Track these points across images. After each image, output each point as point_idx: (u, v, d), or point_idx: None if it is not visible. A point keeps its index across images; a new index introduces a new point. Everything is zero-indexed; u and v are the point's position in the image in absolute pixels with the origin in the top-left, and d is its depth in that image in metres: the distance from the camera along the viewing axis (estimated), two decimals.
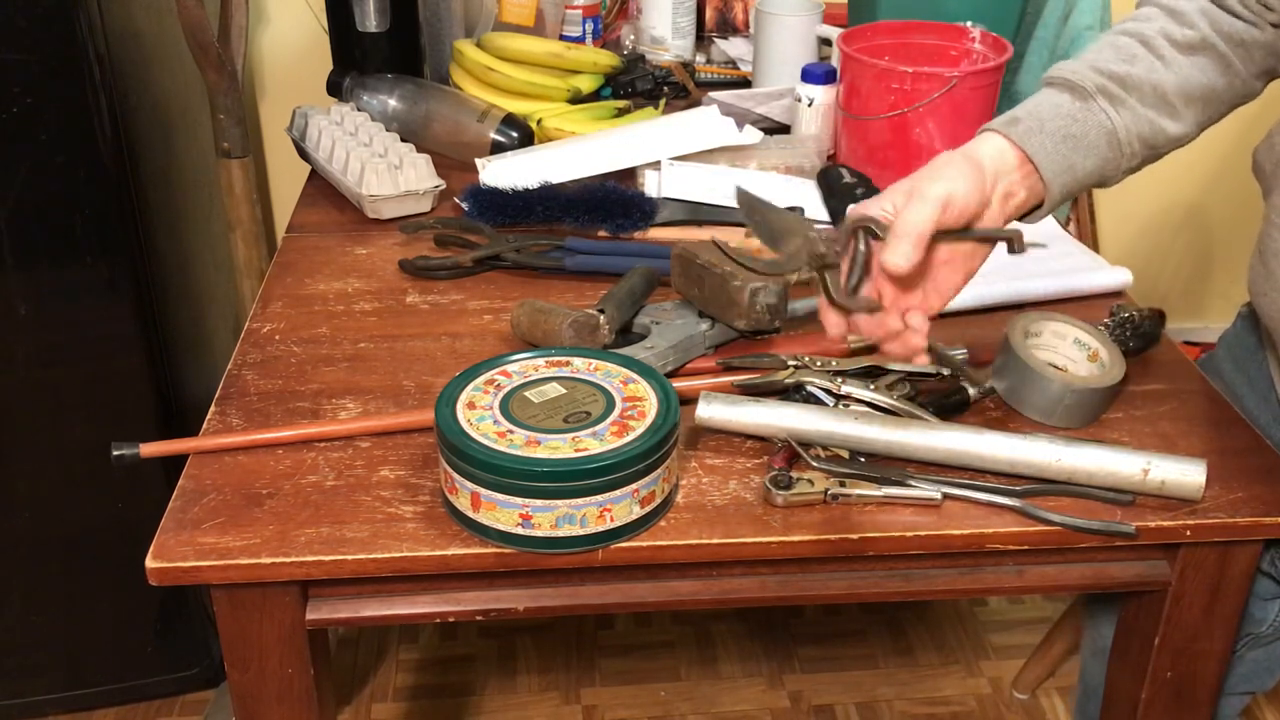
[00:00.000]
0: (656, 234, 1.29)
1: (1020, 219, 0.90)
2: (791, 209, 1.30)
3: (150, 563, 0.83)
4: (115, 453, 0.94)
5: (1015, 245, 0.84)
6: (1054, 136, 0.87)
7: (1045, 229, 1.33)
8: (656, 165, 1.40)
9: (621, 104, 1.61)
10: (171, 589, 1.19)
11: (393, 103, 1.52)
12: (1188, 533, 0.89)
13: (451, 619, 0.90)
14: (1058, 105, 0.89)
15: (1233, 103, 0.95)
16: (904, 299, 0.85)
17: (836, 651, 1.91)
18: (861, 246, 0.84)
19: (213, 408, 1.01)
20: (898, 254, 0.80)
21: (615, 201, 1.27)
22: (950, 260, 0.86)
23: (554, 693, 1.82)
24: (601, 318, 1.02)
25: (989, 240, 0.86)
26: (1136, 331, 1.08)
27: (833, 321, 0.86)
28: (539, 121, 1.53)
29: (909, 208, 0.81)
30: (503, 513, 0.82)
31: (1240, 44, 0.92)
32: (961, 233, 0.84)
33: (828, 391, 0.98)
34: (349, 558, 0.84)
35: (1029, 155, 0.86)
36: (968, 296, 1.16)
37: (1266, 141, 1.00)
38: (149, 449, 0.95)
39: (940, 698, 1.82)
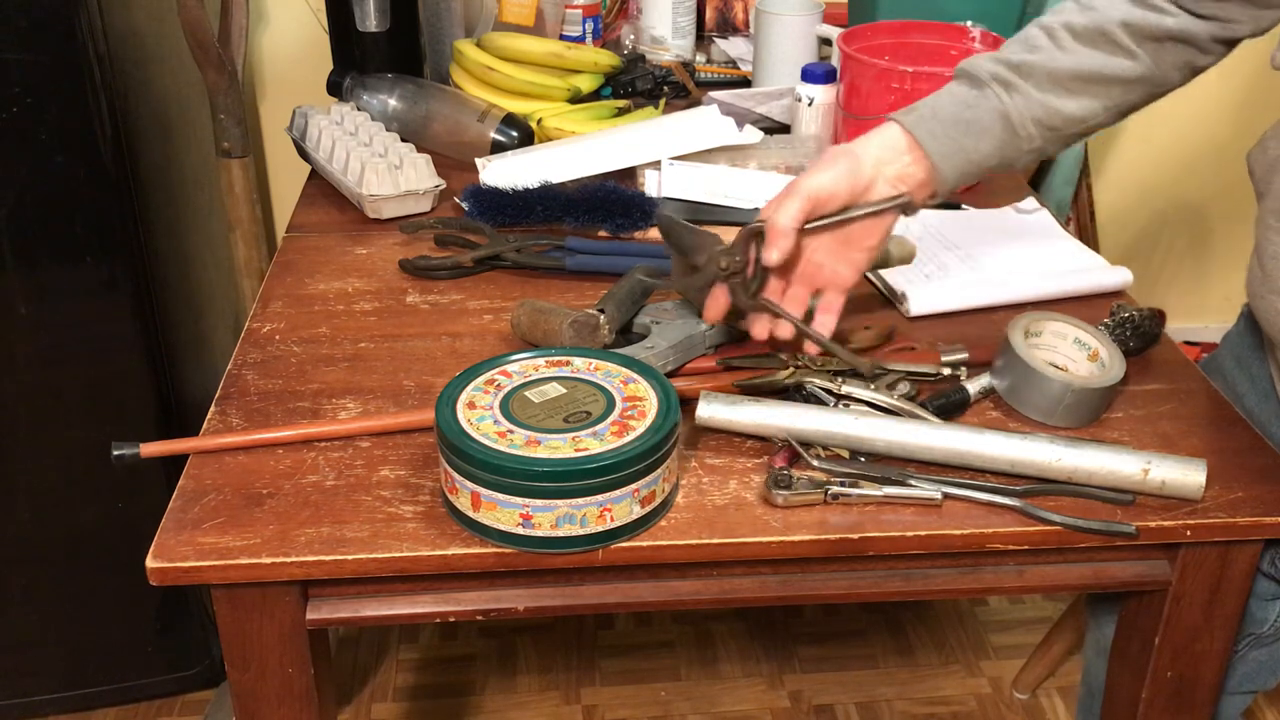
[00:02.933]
0: (656, 234, 1.29)
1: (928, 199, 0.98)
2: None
3: (150, 563, 0.83)
4: (115, 453, 0.94)
5: (908, 210, 0.95)
6: (945, 122, 0.95)
7: (1046, 229, 1.33)
8: (656, 165, 1.40)
9: (621, 104, 1.61)
10: (171, 589, 1.19)
11: (393, 103, 1.52)
12: (1188, 533, 0.89)
13: (451, 619, 0.90)
14: (954, 94, 0.97)
15: (1148, 90, 0.99)
16: (817, 278, 0.97)
17: (836, 651, 1.91)
18: (753, 253, 0.95)
19: (213, 408, 1.01)
20: (770, 253, 0.93)
21: (615, 201, 1.27)
22: (849, 238, 0.96)
23: (554, 693, 1.83)
24: (601, 318, 1.02)
25: (881, 213, 0.95)
26: (1136, 331, 1.08)
27: (757, 329, 0.98)
28: (539, 121, 1.53)
29: (779, 207, 0.92)
30: (503, 513, 0.82)
31: (1148, 37, 0.95)
32: (845, 213, 0.94)
33: (828, 391, 0.98)
34: (349, 558, 0.84)
35: (917, 140, 0.94)
36: (968, 296, 1.17)
37: (1259, 146, 1.01)
38: (149, 449, 0.95)
39: (940, 698, 1.82)
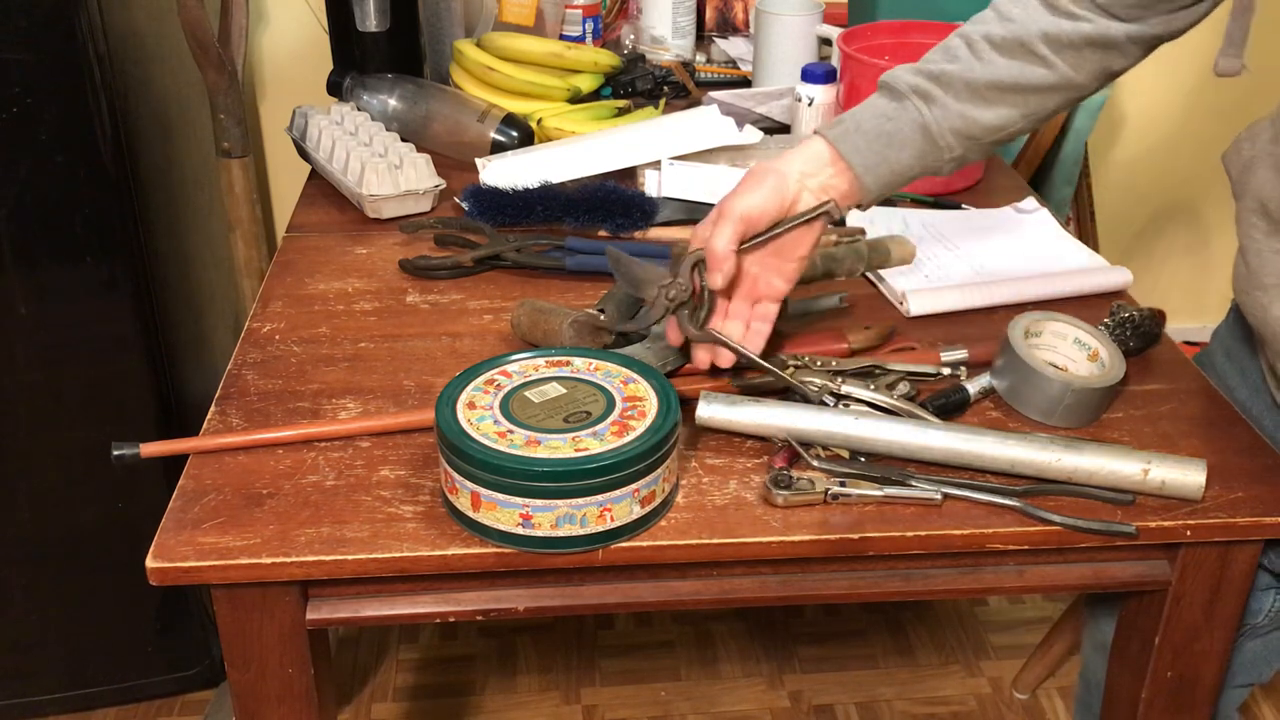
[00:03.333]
0: (656, 234, 1.29)
1: (855, 209, 1.01)
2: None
3: (150, 563, 0.83)
4: (115, 453, 0.94)
5: (833, 217, 0.96)
6: (868, 135, 0.97)
7: (1046, 229, 1.33)
8: (656, 165, 1.40)
9: (621, 104, 1.61)
10: (171, 589, 1.19)
11: (393, 102, 1.52)
12: (1188, 533, 0.89)
13: (452, 619, 0.90)
14: (875, 107, 0.99)
15: (1064, 96, 1.00)
16: (754, 292, 0.99)
17: (836, 651, 1.91)
18: (698, 281, 0.96)
19: (213, 408, 1.01)
20: (714, 278, 0.94)
21: (615, 201, 1.27)
22: (780, 250, 0.98)
23: (554, 693, 1.83)
24: (601, 317, 1.02)
25: (809, 223, 0.97)
26: (1136, 331, 1.08)
27: (699, 358, 0.99)
28: (539, 121, 1.53)
29: (714, 232, 0.94)
30: (503, 513, 0.82)
31: (1067, 45, 0.97)
32: (774, 229, 0.96)
33: (828, 391, 0.98)
34: (349, 558, 0.84)
35: (841, 154, 0.97)
36: (968, 296, 1.17)
37: (1233, 147, 1.03)
38: (149, 449, 0.95)
39: (940, 698, 1.83)
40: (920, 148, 0.98)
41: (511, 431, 0.84)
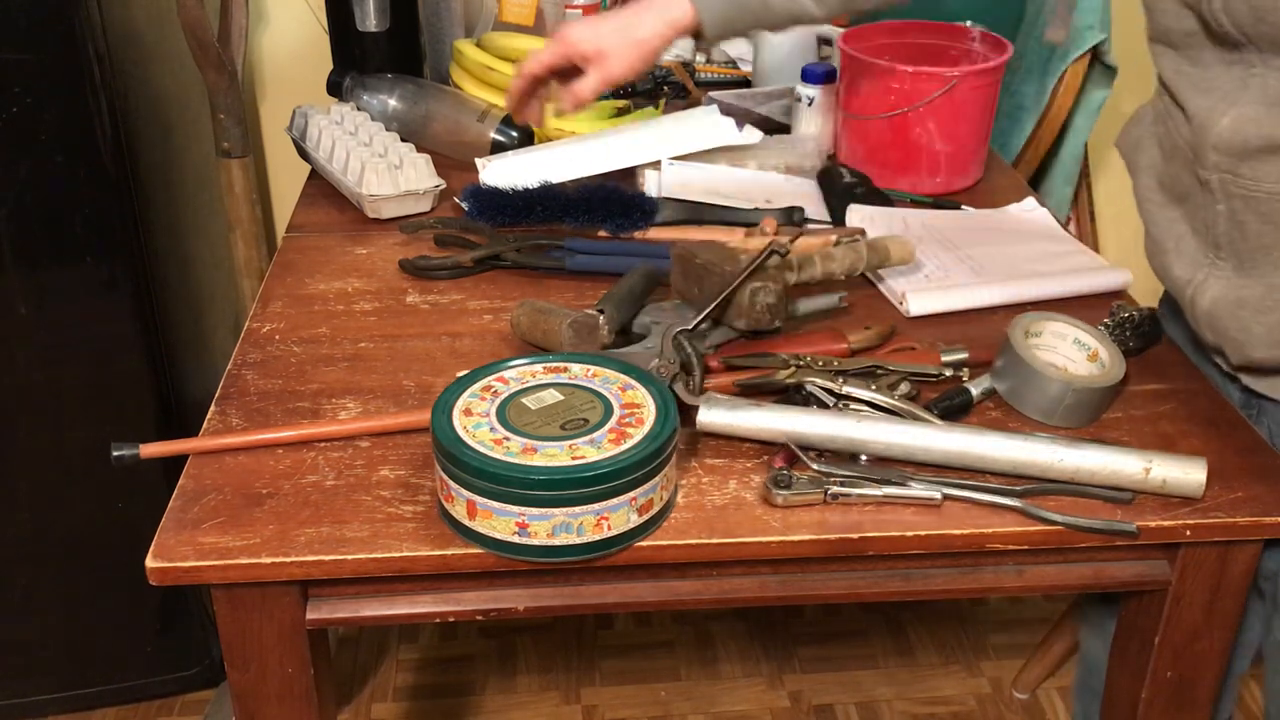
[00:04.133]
0: (656, 234, 1.29)
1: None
2: (791, 209, 1.31)
3: (150, 563, 0.83)
4: (115, 453, 0.94)
5: (780, 255, 1.07)
6: (725, 2, 1.10)
7: (1046, 229, 1.33)
8: (656, 165, 1.40)
9: (621, 104, 1.61)
10: (171, 589, 1.19)
11: (393, 102, 1.52)
12: (1188, 532, 0.89)
13: (451, 619, 0.90)
14: None
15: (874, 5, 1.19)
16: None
17: (836, 651, 1.91)
18: (688, 348, 0.98)
19: (213, 408, 1.01)
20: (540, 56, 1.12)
21: (615, 201, 1.27)
22: (637, 43, 1.11)
23: (554, 693, 1.83)
24: (601, 318, 1.02)
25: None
26: (1136, 331, 1.08)
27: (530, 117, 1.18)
28: None
29: (590, 73, 1.10)
30: (499, 521, 0.81)
31: None
32: (729, 286, 1.04)
33: (829, 391, 0.98)
34: (349, 557, 0.84)
35: (699, 14, 1.09)
36: (968, 297, 1.17)
37: (1124, 131, 1.09)
38: (149, 449, 0.94)
39: (940, 698, 1.83)
40: (758, 17, 1.12)
41: (508, 439, 0.83)
